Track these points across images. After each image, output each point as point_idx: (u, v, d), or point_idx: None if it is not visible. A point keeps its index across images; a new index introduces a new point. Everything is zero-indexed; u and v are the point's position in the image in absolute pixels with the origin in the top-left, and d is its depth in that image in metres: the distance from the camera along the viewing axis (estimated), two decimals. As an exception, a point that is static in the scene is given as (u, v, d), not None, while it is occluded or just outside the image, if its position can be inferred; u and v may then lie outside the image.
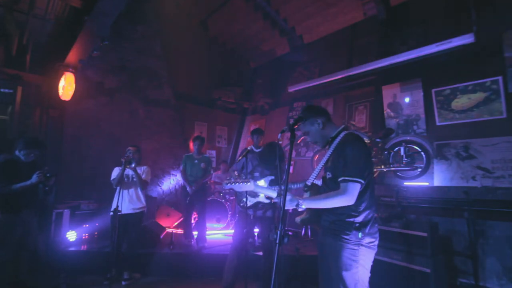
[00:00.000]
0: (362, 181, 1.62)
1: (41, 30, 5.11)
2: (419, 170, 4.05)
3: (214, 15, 6.63)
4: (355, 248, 1.62)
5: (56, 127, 5.03)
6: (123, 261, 3.57)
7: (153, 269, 3.91)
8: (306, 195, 1.82)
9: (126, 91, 5.86)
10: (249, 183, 1.82)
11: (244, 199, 3.06)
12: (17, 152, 3.20)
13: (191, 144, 6.04)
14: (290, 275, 3.55)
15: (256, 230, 4.01)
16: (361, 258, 1.63)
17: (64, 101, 4.77)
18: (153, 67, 6.27)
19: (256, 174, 3.10)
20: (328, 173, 1.77)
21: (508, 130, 3.49)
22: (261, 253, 3.21)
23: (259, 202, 3.02)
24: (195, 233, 4.63)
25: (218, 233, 5.30)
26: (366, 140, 4.12)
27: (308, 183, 1.83)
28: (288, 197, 1.71)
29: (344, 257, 1.62)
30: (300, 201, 1.68)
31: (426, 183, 4.03)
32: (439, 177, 3.98)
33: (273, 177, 3.01)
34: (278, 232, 1.44)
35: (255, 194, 2.99)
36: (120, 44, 5.74)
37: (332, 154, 1.77)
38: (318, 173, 1.86)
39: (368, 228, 1.65)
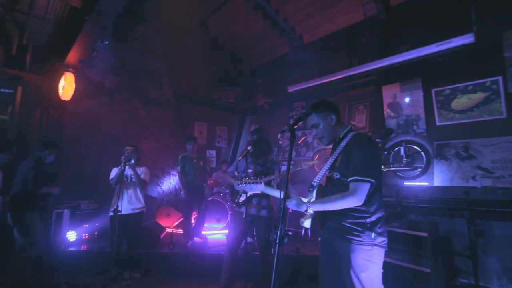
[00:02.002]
0: (374, 181, 1.62)
1: (41, 30, 5.12)
2: (419, 170, 4.05)
3: (214, 15, 6.63)
4: (369, 248, 1.62)
5: (56, 127, 5.03)
6: (123, 261, 3.57)
7: (153, 269, 3.91)
8: (311, 195, 1.80)
9: (126, 91, 5.86)
10: (259, 184, 1.82)
11: (239, 196, 3.08)
12: (40, 153, 3.36)
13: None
14: (290, 275, 3.55)
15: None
16: (375, 258, 1.63)
17: (64, 101, 4.78)
18: (153, 67, 6.27)
19: (250, 171, 3.10)
20: (335, 173, 1.75)
21: (508, 130, 3.49)
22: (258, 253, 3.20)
23: (252, 197, 3.02)
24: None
25: (218, 233, 5.30)
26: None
27: (314, 183, 1.81)
28: (295, 201, 1.72)
29: (360, 258, 1.61)
30: (309, 205, 1.68)
31: (426, 183, 4.03)
32: (439, 177, 3.98)
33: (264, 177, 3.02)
34: (278, 232, 1.42)
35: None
36: (120, 44, 5.74)
37: (340, 154, 1.75)
38: (324, 173, 1.83)
39: (379, 227, 1.65)
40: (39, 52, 5.06)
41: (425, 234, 2.89)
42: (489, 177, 3.55)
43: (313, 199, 1.78)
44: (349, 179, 1.64)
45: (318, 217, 1.79)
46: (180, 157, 4.80)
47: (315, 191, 1.80)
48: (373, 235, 1.62)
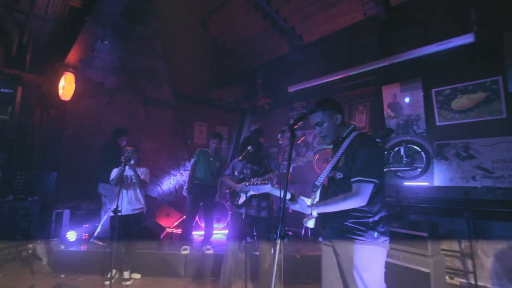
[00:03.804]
0: (377, 181, 1.61)
1: (41, 30, 5.12)
2: (419, 170, 4.05)
3: (214, 15, 6.63)
4: (372, 248, 1.62)
5: (56, 127, 5.03)
6: (123, 261, 3.57)
7: (153, 269, 3.91)
8: (314, 195, 1.80)
9: (126, 91, 5.87)
10: (266, 185, 1.82)
11: (238, 197, 3.08)
12: (117, 139, 4.31)
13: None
14: (290, 275, 3.56)
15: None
16: (378, 257, 1.63)
17: (64, 101, 4.78)
18: (153, 67, 6.27)
19: (247, 171, 3.10)
20: (338, 173, 1.74)
21: (508, 130, 3.49)
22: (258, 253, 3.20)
23: (251, 198, 3.02)
24: (200, 233, 4.52)
25: (218, 233, 5.30)
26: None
27: (317, 183, 1.80)
28: (300, 206, 1.72)
29: (362, 258, 1.61)
30: (312, 208, 1.68)
31: (426, 183, 4.03)
32: (439, 177, 3.97)
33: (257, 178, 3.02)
34: (278, 232, 1.42)
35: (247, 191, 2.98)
36: (120, 44, 5.75)
37: (343, 155, 1.74)
38: (327, 173, 1.82)
39: (382, 227, 1.65)
40: (39, 52, 5.07)
41: (425, 234, 2.89)
42: (489, 177, 3.55)
43: (316, 199, 1.78)
44: (353, 179, 1.63)
45: (321, 217, 1.78)
46: (198, 149, 4.38)
47: (318, 191, 1.79)
48: (375, 234, 1.62)
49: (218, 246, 4.41)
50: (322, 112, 1.81)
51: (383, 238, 1.65)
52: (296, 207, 1.74)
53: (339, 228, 1.71)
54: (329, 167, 1.81)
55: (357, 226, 1.64)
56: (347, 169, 1.69)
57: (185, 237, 4.31)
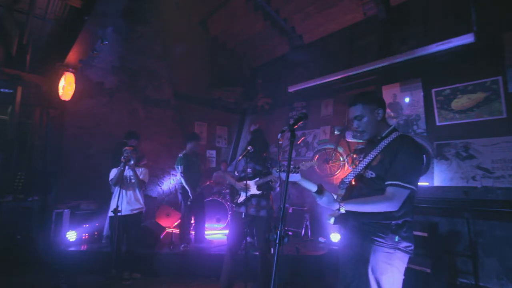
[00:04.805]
0: (415, 188, 1.54)
1: (41, 30, 5.12)
2: (419, 170, 4.04)
3: (214, 15, 6.63)
4: (391, 251, 1.56)
5: (56, 127, 5.03)
6: (123, 261, 3.57)
7: (153, 269, 3.91)
8: (341, 192, 1.74)
9: (126, 91, 5.86)
10: (297, 174, 1.67)
11: (238, 196, 3.08)
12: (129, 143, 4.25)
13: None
14: (290, 275, 3.55)
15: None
16: (397, 262, 1.56)
17: (64, 101, 4.77)
18: (153, 67, 6.27)
19: (249, 170, 3.11)
20: (371, 172, 1.67)
21: (508, 130, 3.50)
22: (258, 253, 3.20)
23: (251, 197, 3.02)
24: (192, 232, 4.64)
25: (218, 233, 5.30)
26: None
27: (346, 180, 1.74)
28: (327, 199, 1.63)
29: (380, 260, 1.56)
30: (341, 204, 1.61)
31: (426, 183, 4.03)
32: (439, 177, 3.97)
33: (258, 178, 3.03)
34: (278, 232, 1.41)
35: (248, 189, 3.00)
36: (120, 44, 5.74)
37: (380, 154, 1.66)
38: (359, 171, 1.73)
39: (405, 232, 1.58)
40: (39, 52, 5.07)
41: (425, 234, 2.90)
42: (489, 177, 3.55)
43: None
44: (388, 182, 1.56)
45: (342, 215, 1.70)
46: (181, 155, 4.50)
47: (345, 188, 1.73)
48: (397, 238, 1.56)
49: (219, 246, 4.42)
50: (362, 105, 1.70)
51: (405, 244, 1.58)
52: (322, 201, 1.65)
53: (360, 227, 1.66)
54: (361, 165, 1.73)
55: (378, 227, 1.59)
56: (381, 169, 1.62)
57: (185, 238, 4.47)
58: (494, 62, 3.63)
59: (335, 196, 1.70)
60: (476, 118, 3.77)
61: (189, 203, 4.43)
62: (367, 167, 1.70)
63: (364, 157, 1.76)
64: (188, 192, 4.40)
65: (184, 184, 4.41)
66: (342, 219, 1.73)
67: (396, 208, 1.54)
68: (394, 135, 1.69)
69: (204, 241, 4.67)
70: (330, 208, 1.67)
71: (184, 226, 4.53)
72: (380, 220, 1.59)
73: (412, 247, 1.61)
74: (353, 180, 1.76)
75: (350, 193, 1.75)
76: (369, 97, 1.72)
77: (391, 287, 1.57)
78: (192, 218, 4.79)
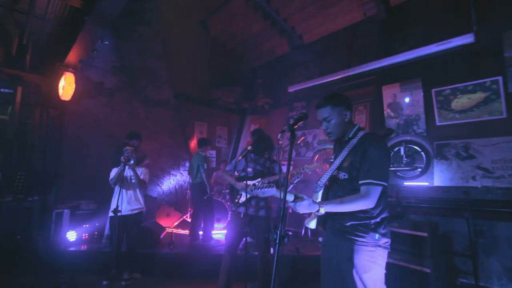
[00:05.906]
0: (386, 184, 1.59)
1: (41, 30, 5.13)
2: (419, 170, 4.05)
3: (214, 15, 6.63)
4: (373, 249, 1.60)
5: (56, 127, 5.03)
6: (123, 261, 3.57)
7: (153, 269, 3.91)
8: (317, 195, 1.76)
9: (126, 91, 5.86)
10: (272, 188, 1.74)
11: (238, 196, 3.07)
12: (131, 143, 4.19)
13: (192, 143, 6.19)
14: (290, 275, 3.55)
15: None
16: (379, 259, 1.61)
17: (64, 101, 4.78)
18: (153, 67, 6.27)
19: (249, 170, 3.10)
20: (343, 173, 1.70)
21: (508, 130, 3.49)
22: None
23: (251, 198, 3.01)
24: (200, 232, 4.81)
25: (218, 233, 5.30)
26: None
27: (320, 183, 1.76)
28: (307, 202, 1.63)
29: (363, 259, 1.59)
30: (321, 205, 1.62)
31: (426, 183, 4.03)
32: (439, 177, 3.97)
33: (259, 179, 3.02)
34: (278, 232, 1.41)
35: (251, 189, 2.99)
36: (120, 44, 5.75)
37: (349, 155, 1.69)
38: (331, 173, 1.76)
39: (383, 228, 1.64)
40: (39, 52, 5.07)
41: (425, 234, 2.89)
42: (489, 177, 3.55)
43: (318, 200, 1.74)
44: (361, 181, 1.60)
45: (321, 217, 1.75)
46: (205, 156, 5.05)
47: (321, 192, 1.75)
48: (377, 236, 1.61)
49: (218, 246, 4.42)
50: (331, 107, 1.72)
51: (384, 240, 1.63)
52: (303, 205, 1.61)
53: (340, 229, 1.69)
54: (333, 167, 1.76)
55: (358, 227, 1.63)
56: (353, 170, 1.65)
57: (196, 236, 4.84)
58: (494, 62, 3.62)
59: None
60: (476, 118, 3.77)
61: (205, 197, 4.85)
62: (339, 168, 1.74)
63: (335, 158, 1.80)
64: (206, 188, 4.87)
65: (205, 181, 4.87)
66: (321, 222, 1.77)
67: (373, 205, 1.59)
68: (360, 134, 1.73)
69: (211, 240, 4.80)
70: (310, 212, 1.67)
71: (200, 221, 4.89)
72: (359, 220, 1.63)
73: (390, 242, 1.66)
74: (327, 182, 1.79)
75: (326, 195, 1.78)
76: (337, 100, 1.75)
77: (375, 283, 1.60)
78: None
